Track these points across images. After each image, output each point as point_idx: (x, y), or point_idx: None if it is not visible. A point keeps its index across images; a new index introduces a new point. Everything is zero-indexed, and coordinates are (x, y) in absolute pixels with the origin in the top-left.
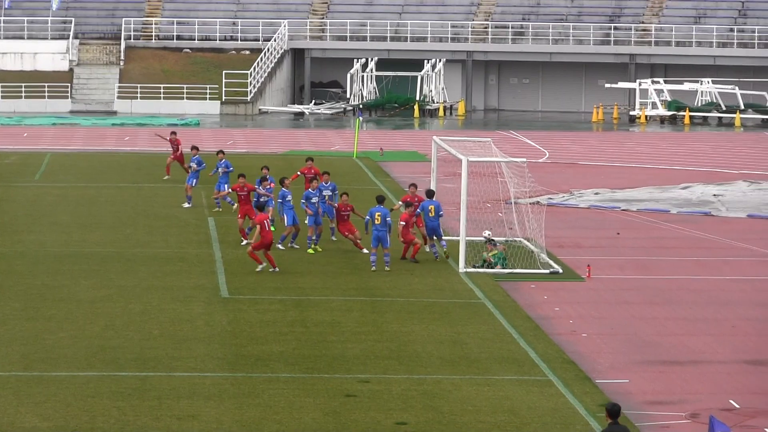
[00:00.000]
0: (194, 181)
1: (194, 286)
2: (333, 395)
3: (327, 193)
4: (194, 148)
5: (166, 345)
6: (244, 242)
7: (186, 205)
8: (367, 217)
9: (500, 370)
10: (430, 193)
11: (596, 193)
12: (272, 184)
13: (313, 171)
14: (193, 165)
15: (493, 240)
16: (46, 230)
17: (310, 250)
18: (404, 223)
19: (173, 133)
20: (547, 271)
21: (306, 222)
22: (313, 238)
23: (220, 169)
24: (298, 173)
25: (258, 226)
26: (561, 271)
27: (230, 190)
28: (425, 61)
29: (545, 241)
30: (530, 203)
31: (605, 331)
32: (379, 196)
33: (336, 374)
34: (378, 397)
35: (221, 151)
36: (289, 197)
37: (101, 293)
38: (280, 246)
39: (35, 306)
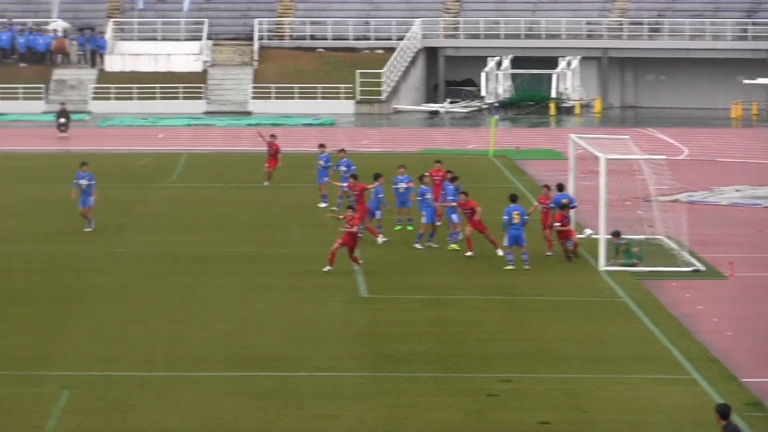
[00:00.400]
0: (325, 179)
1: (333, 286)
2: (475, 394)
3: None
4: (321, 145)
5: (306, 345)
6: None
7: (322, 204)
8: (506, 216)
9: (643, 369)
10: (560, 187)
11: (737, 190)
12: (411, 183)
13: (440, 174)
14: (321, 162)
15: (618, 232)
16: (184, 231)
17: (455, 246)
18: (559, 224)
19: (272, 136)
20: (689, 269)
21: (453, 218)
22: (452, 233)
23: (341, 168)
24: (427, 175)
25: (353, 227)
26: (703, 269)
27: (347, 188)
28: (559, 59)
29: (686, 239)
30: (670, 201)
31: (750, 329)
32: (512, 195)
33: (477, 373)
34: (520, 397)
35: (342, 150)
36: (429, 195)
37: (240, 293)
38: (417, 245)
39: (175, 306)
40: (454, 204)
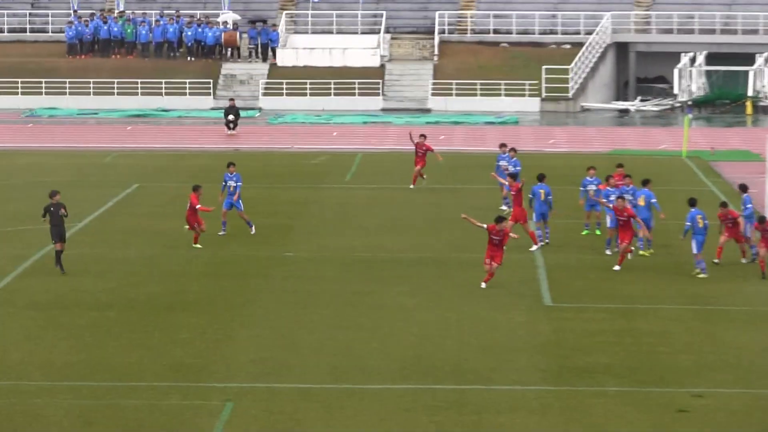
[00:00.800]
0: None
1: (514, 294)
2: (664, 410)
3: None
4: (502, 145)
5: (484, 356)
6: (535, 248)
7: (503, 207)
8: (688, 222)
9: None
10: (743, 188)
11: None
12: (602, 185)
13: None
14: (503, 163)
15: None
16: (356, 234)
17: (645, 252)
18: (747, 231)
19: (422, 136)
20: None
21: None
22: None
23: (508, 166)
24: (613, 176)
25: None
26: None
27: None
28: (757, 55)
29: None
30: None
31: None
32: (691, 199)
33: (667, 388)
34: (713, 413)
35: (513, 149)
36: (613, 197)
37: (415, 301)
38: (607, 252)
39: (345, 314)
40: (610, 205)
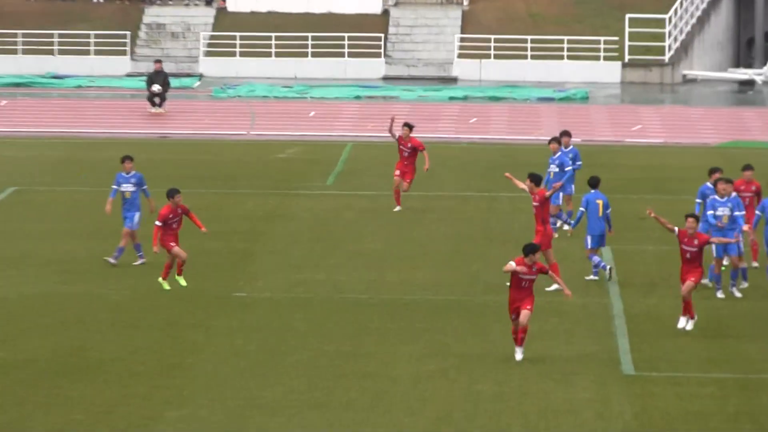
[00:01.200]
0: (572, 188)
1: (579, 356)
2: None
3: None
4: (564, 134)
5: None
6: (551, 288)
7: (560, 224)
8: None
9: None
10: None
11: None
12: (753, 194)
13: (753, 186)
14: (553, 167)
15: None
16: (343, 265)
17: None
18: None
19: (407, 125)
20: None
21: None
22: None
23: (553, 165)
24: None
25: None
26: None
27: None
28: None
29: None
30: None
31: None
32: None
33: None
34: None
35: (557, 138)
36: (721, 210)
37: (430, 366)
38: (718, 294)
39: (326, 386)
40: (675, 229)
